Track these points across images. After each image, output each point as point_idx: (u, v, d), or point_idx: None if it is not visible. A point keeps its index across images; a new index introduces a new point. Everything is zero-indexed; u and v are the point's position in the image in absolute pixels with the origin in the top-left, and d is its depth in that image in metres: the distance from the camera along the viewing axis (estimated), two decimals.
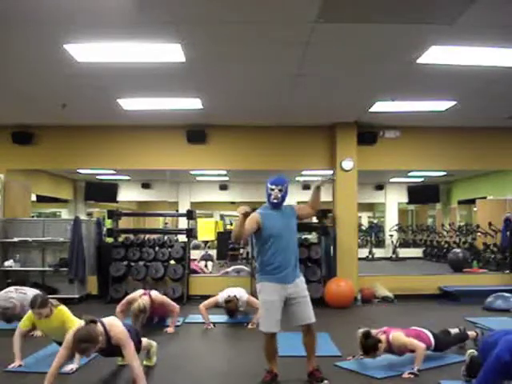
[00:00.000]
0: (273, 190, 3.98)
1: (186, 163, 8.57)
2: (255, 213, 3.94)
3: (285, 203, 4.07)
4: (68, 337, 3.57)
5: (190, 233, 8.72)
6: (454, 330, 4.90)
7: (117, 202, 14.76)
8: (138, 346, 3.99)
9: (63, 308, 4.45)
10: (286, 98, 6.61)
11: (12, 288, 5.60)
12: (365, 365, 4.46)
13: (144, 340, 4.30)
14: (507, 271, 8.89)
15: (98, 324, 3.49)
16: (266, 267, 3.92)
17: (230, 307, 6.22)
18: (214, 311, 6.42)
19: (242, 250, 14.92)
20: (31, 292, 5.60)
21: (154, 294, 5.87)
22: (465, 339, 4.86)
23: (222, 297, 6.33)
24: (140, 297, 5.69)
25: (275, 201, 3.98)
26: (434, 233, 16.47)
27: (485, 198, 13.01)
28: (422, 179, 14.40)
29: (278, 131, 8.30)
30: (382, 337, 4.34)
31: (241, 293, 6.41)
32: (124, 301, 5.85)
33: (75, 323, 4.20)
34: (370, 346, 4.28)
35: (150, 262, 8.09)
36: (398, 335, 4.36)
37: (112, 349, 3.66)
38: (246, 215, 3.66)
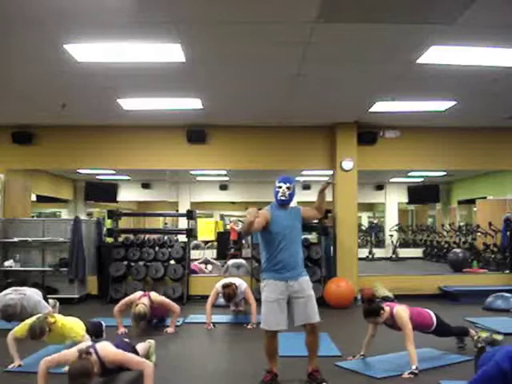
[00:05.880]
0: (280, 187, 3.99)
1: (186, 163, 8.57)
2: (264, 209, 4.01)
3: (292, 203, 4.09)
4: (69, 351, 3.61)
5: (190, 233, 8.71)
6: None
7: (117, 202, 14.77)
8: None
9: (60, 321, 4.39)
10: (286, 98, 6.60)
11: (10, 289, 5.54)
12: (365, 365, 4.46)
13: (140, 345, 4.29)
14: (507, 271, 8.90)
15: (92, 353, 3.47)
16: (271, 265, 3.94)
17: (228, 292, 6.19)
18: (214, 311, 6.39)
19: (233, 250, 14.92)
20: (30, 292, 5.59)
21: (154, 294, 5.84)
22: (465, 333, 4.91)
23: (220, 284, 6.32)
24: (139, 298, 5.66)
25: (283, 198, 3.98)
26: (434, 233, 16.49)
27: (485, 198, 13.01)
28: (421, 179, 14.40)
29: (278, 131, 8.30)
30: (386, 308, 4.47)
31: (240, 281, 6.41)
32: (123, 302, 5.83)
33: (74, 331, 4.33)
34: (372, 309, 4.42)
35: (150, 261, 8.10)
36: (401, 311, 4.45)
37: (111, 371, 3.67)
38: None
